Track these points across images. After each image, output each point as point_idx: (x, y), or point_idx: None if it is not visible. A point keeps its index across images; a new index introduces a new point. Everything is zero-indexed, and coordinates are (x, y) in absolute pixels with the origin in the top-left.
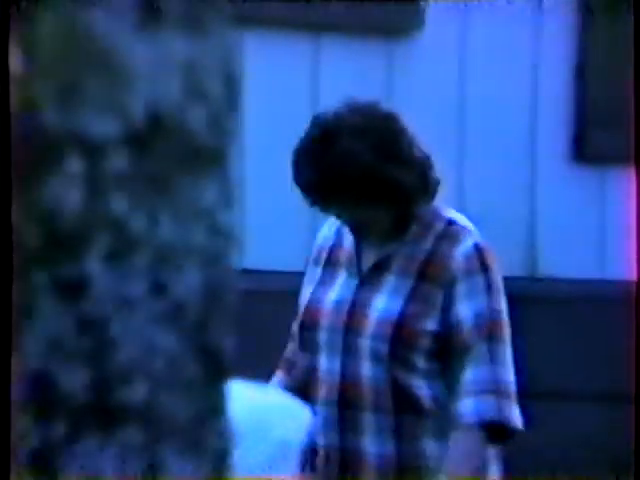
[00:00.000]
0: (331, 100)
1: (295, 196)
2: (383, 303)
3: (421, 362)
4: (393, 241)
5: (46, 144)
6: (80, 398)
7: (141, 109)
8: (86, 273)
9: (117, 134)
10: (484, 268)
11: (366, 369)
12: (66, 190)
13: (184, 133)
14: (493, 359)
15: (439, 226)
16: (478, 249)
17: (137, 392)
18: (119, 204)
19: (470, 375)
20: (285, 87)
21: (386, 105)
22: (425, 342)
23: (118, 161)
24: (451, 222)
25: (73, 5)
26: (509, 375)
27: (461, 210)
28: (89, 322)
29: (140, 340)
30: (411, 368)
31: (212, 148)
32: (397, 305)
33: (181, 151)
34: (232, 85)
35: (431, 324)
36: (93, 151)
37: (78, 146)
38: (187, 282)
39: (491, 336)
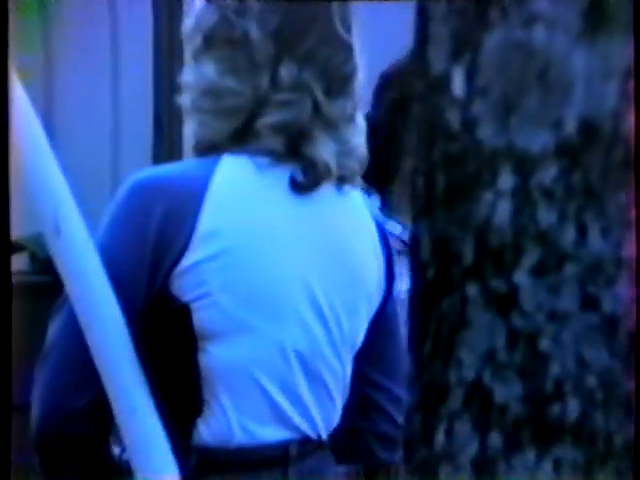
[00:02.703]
0: None
1: None
2: None
3: None
4: None
5: (482, 160)
6: (515, 410)
7: (575, 120)
8: (516, 286)
9: (549, 146)
10: None
11: None
12: (497, 204)
13: (619, 141)
14: None
15: None
16: None
17: (570, 408)
18: (548, 216)
19: None
20: None
21: None
22: None
23: (548, 174)
24: None
25: (517, 23)
26: None
27: None
28: (520, 335)
29: (572, 355)
30: None
31: None
32: None
33: (615, 160)
34: None
35: None
36: (524, 165)
37: (511, 160)
38: (619, 296)
39: None
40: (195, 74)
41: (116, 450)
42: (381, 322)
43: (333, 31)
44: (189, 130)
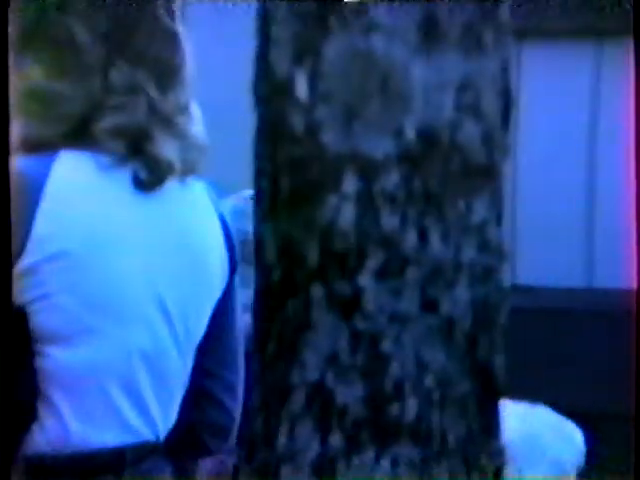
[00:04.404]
0: (613, 110)
1: (569, 210)
2: None
3: None
4: None
5: (325, 165)
6: (355, 411)
7: (414, 128)
8: (359, 288)
9: (391, 153)
10: None
11: None
12: (341, 208)
13: (457, 151)
14: None
15: None
16: None
17: (409, 408)
18: (391, 221)
19: None
20: (565, 97)
21: None
22: None
23: (391, 179)
24: None
25: (357, 32)
26: None
27: None
28: (362, 337)
29: (411, 356)
30: None
31: (484, 165)
32: None
33: (453, 168)
34: (506, 100)
35: None
36: (368, 170)
37: (355, 165)
38: (457, 299)
39: None
40: (18, 75)
41: None
42: (220, 313)
43: (160, 23)
44: (15, 128)
